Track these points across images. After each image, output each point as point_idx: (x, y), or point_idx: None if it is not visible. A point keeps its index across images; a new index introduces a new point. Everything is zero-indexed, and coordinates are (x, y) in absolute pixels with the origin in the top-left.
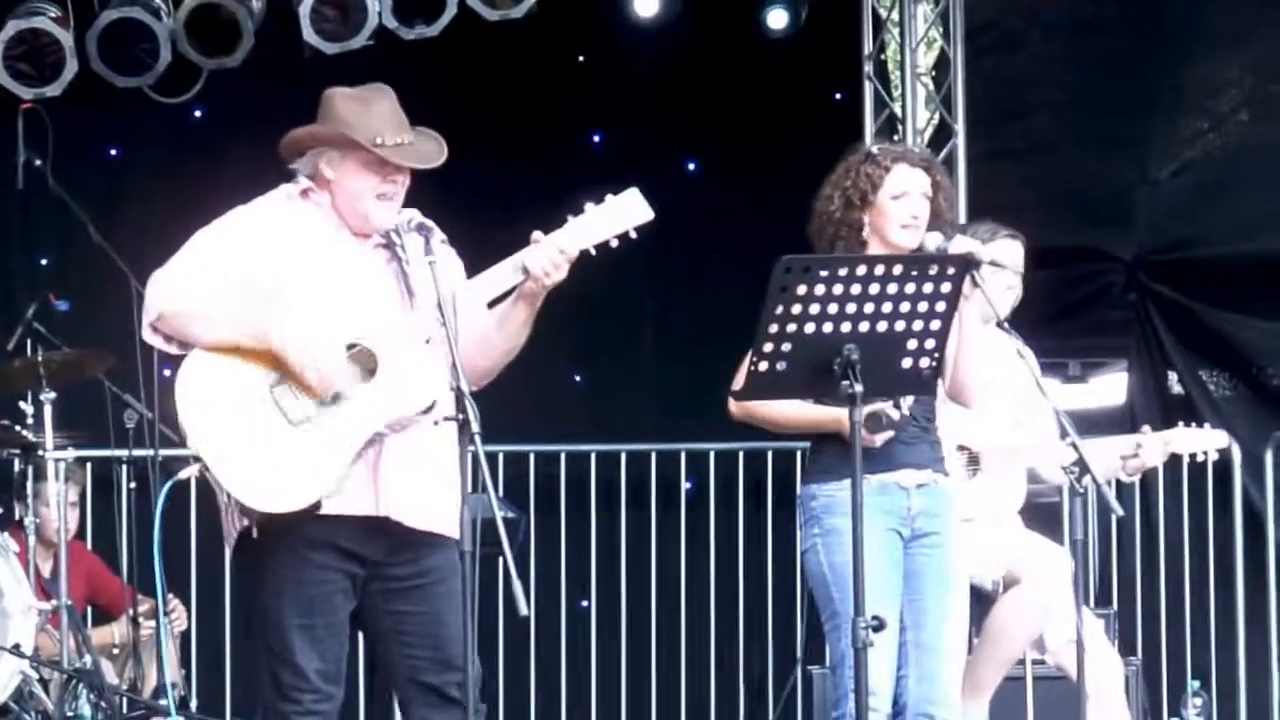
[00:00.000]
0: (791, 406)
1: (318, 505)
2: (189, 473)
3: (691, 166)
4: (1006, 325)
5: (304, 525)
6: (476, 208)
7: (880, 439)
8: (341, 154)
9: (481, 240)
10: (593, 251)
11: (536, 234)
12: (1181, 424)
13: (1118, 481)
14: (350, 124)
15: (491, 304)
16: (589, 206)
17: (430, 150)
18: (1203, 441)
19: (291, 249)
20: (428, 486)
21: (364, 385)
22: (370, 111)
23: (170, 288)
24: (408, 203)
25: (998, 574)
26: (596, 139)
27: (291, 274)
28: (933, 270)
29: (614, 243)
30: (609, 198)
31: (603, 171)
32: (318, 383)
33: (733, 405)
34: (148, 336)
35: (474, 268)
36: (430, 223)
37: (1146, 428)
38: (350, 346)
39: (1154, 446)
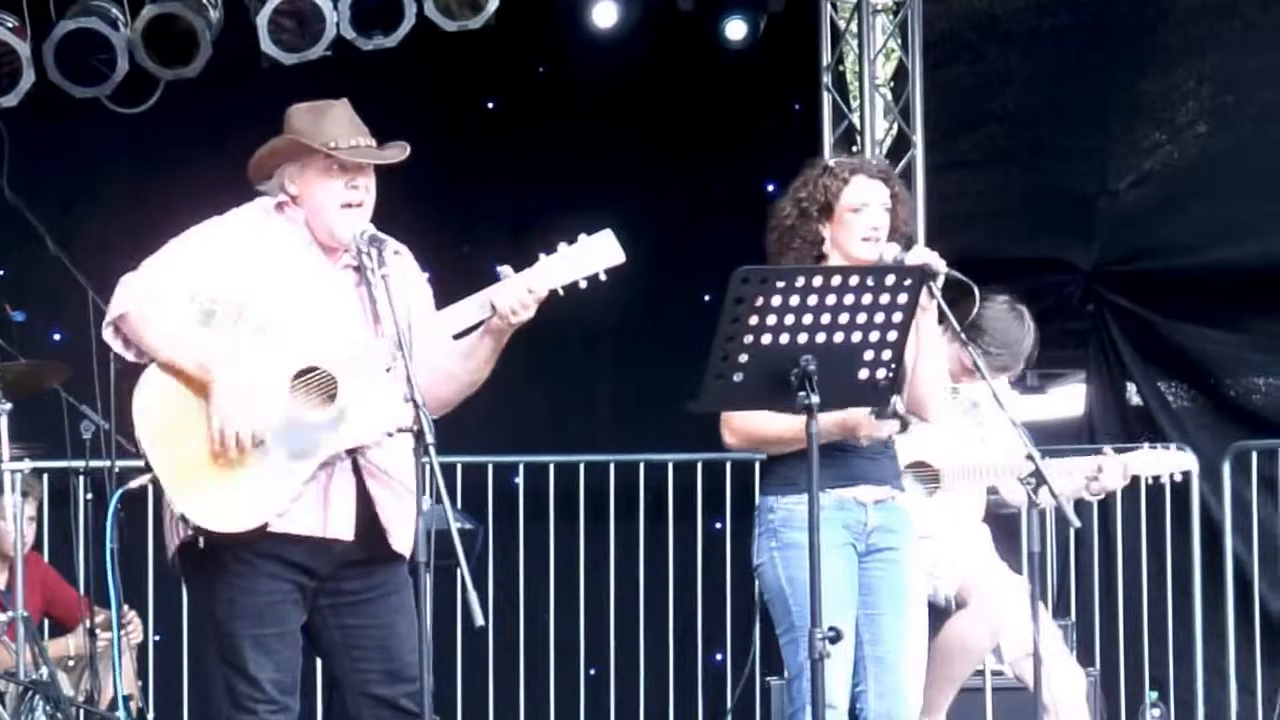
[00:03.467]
0: (782, 420)
1: (265, 525)
2: (140, 482)
3: (650, 176)
4: (964, 338)
5: (252, 540)
6: (435, 219)
7: (888, 429)
8: (301, 165)
9: (441, 252)
10: (561, 292)
11: (506, 269)
12: (1147, 445)
13: None
14: (304, 132)
15: (457, 335)
16: (561, 246)
17: (390, 152)
18: (1165, 464)
19: (261, 266)
20: (387, 505)
21: (322, 411)
22: (324, 118)
23: (138, 292)
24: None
25: (950, 590)
26: (556, 150)
27: (259, 293)
28: (889, 281)
29: (583, 284)
30: (582, 238)
31: (561, 183)
32: (220, 442)
33: (728, 437)
34: (108, 336)
35: (433, 280)
36: (383, 235)
37: (1108, 449)
38: (309, 370)
39: (1114, 469)
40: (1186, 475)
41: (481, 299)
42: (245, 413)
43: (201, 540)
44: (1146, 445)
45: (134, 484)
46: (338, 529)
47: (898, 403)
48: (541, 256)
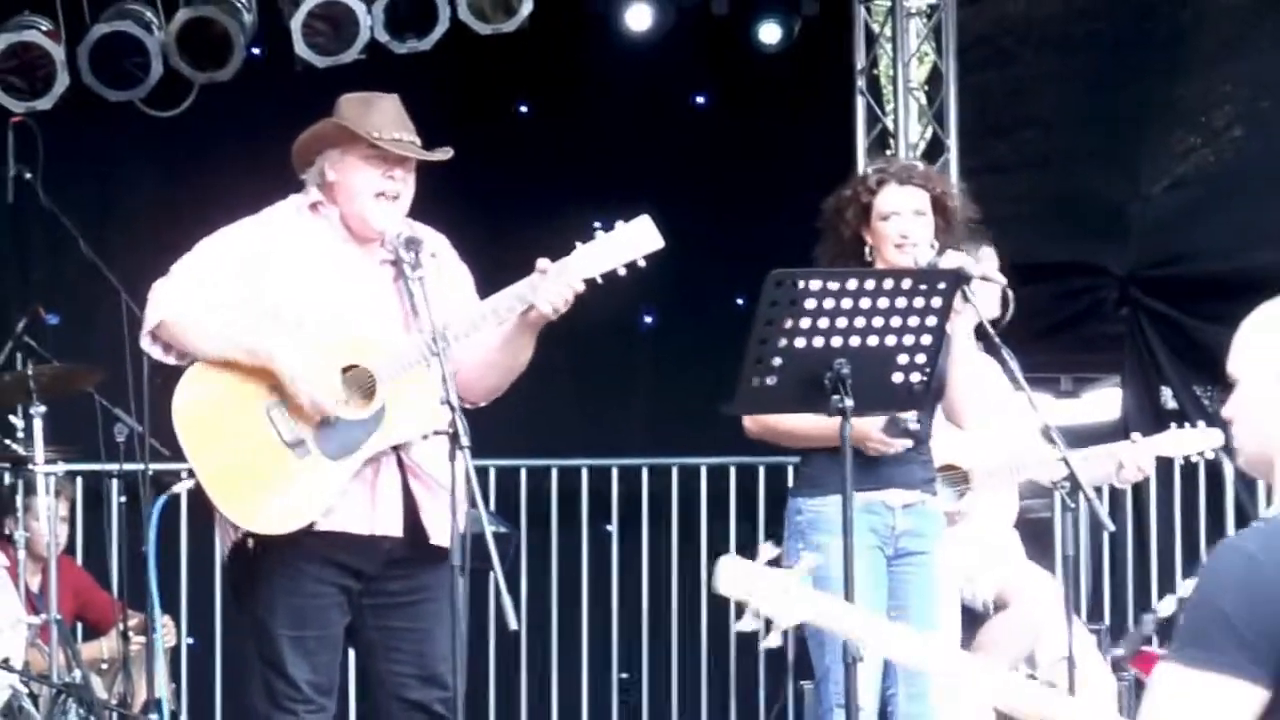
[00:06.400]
0: (805, 418)
1: (311, 525)
2: (182, 487)
3: (684, 180)
4: (998, 339)
5: (300, 540)
6: (469, 221)
7: (898, 445)
8: (341, 152)
9: (475, 253)
10: (599, 280)
11: (542, 261)
12: (1174, 425)
13: (1110, 496)
14: (350, 119)
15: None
16: (599, 234)
17: (430, 151)
18: (1192, 442)
19: (296, 264)
20: (426, 503)
21: (360, 408)
22: (372, 109)
23: (172, 297)
24: (413, 216)
25: (989, 595)
26: (590, 151)
27: (294, 290)
28: (923, 285)
29: (622, 271)
30: (619, 225)
31: (595, 186)
32: (309, 406)
33: (747, 421)
34: (145, 345)
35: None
36: (422, 235)
37: (1137, 435)
38: (349, 368)
39: (1141, 453)
40: (1218, 468)
41: (519, 290)
42: (323, 378)
43: (251, 542)
44: (1174, 425)
45: (178, 488)
46: (386, 526)
47: (909, 419)
48: (578, 245)
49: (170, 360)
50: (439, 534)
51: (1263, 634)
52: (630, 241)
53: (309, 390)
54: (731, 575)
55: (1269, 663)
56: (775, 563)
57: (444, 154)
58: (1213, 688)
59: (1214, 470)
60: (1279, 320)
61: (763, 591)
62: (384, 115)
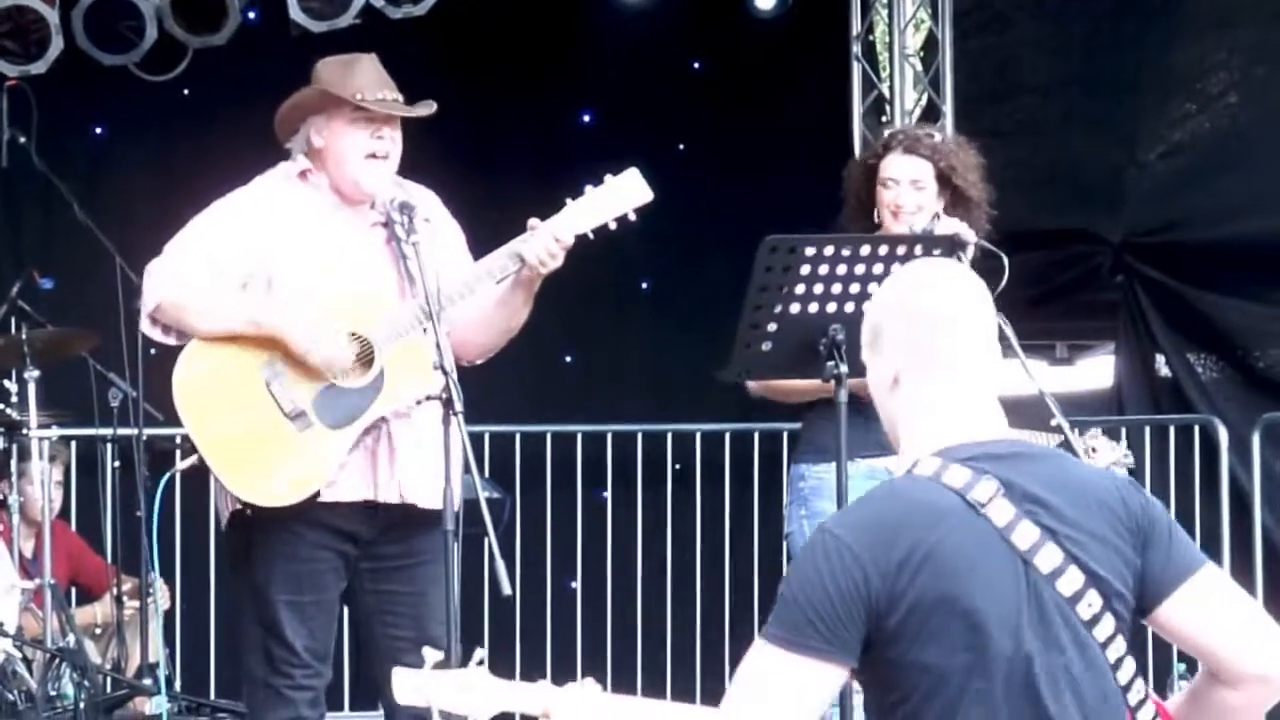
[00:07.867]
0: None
1: (315, 496)
2: (189, 463)
3: (681, 146)
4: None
5: (300, 508)
6: (466, 186)
7: None
8: (327, 117)
9: (472, 218)
10: (590, 235)
11: (533, 220)
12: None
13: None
14: (332, 83)
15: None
16: (588, 189)
17: (416, 108)
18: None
19: (288, 234)
20: (425, 467)
21: (359, 375)
22: (351, 71)
23: (167, 278)
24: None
25: None
26: (586, 118)
27: (288, 260)
28: (918, 251)
29: (613, 225)
30: (608, 178)
31: (593, 151)
32: (323, 363)
33: (749, 381)
34: (146, 328)
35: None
36: (413, 195)
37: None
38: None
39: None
40: (1213, 436)
41: (510, 250)
42: (332, 339)
43: (250, 510)
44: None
45: (183, 465)
46: (387, 493)
47: None
48: (568, 201)
49: (170, 341)
50: (428, 499)
51: (839, 613)
52: (619, 194)
53: (319, 350)
54: (406, 686)
55: (844, 640)
56: (442, 665)
57: (427, 108)
58: (790, 665)
59: (1208, 440)
60: (870, 308)
61: (442, 694)
62: (365, 76)
